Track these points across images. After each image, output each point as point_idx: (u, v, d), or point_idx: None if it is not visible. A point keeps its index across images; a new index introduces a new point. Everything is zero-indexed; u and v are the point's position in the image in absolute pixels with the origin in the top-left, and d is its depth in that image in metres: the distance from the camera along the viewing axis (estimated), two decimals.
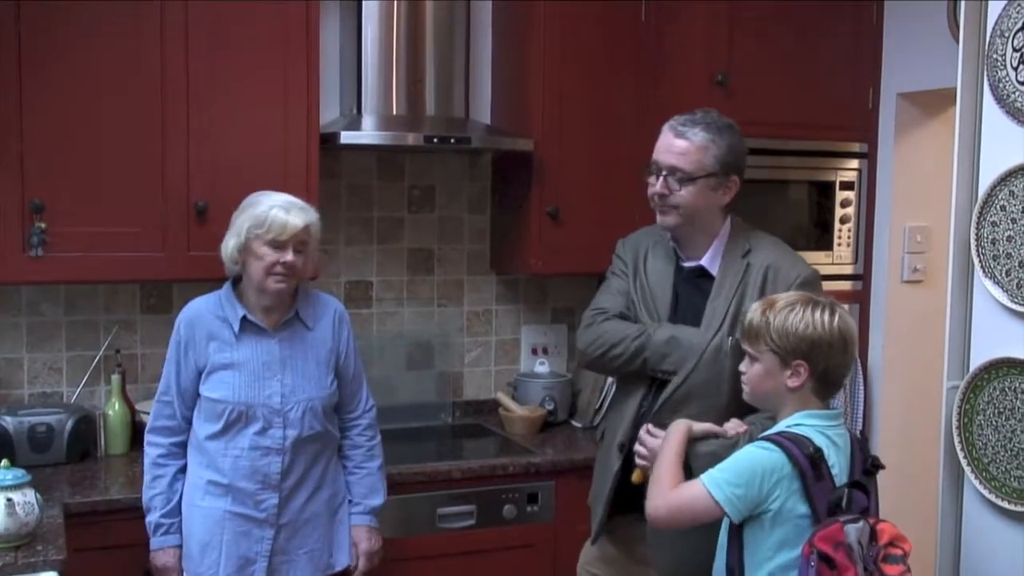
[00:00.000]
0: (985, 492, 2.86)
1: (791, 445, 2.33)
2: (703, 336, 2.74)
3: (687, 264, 2.86)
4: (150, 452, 3.02)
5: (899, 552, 2.29)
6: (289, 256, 2.89)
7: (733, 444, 2.54)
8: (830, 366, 2.39)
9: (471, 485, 3.54)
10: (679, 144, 2.76)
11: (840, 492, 2.31)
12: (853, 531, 2.26)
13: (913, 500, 4.08)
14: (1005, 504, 2.81)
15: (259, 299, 2.98)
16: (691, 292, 2.83)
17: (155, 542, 2.99)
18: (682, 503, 2.43)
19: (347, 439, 3.15)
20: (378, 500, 3.15)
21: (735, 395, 2.61)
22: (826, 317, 2.38)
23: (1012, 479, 2.80)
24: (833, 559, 2.22)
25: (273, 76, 3.48)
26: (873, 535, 2.29)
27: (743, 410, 2.64)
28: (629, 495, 2.81)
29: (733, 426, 2.62)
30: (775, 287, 2.71)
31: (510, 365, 4.32)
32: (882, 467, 2.45)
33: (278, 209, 2.90)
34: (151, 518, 2.99)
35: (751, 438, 2.51)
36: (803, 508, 2.32)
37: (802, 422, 2.39)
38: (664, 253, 2.91)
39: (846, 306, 4.06)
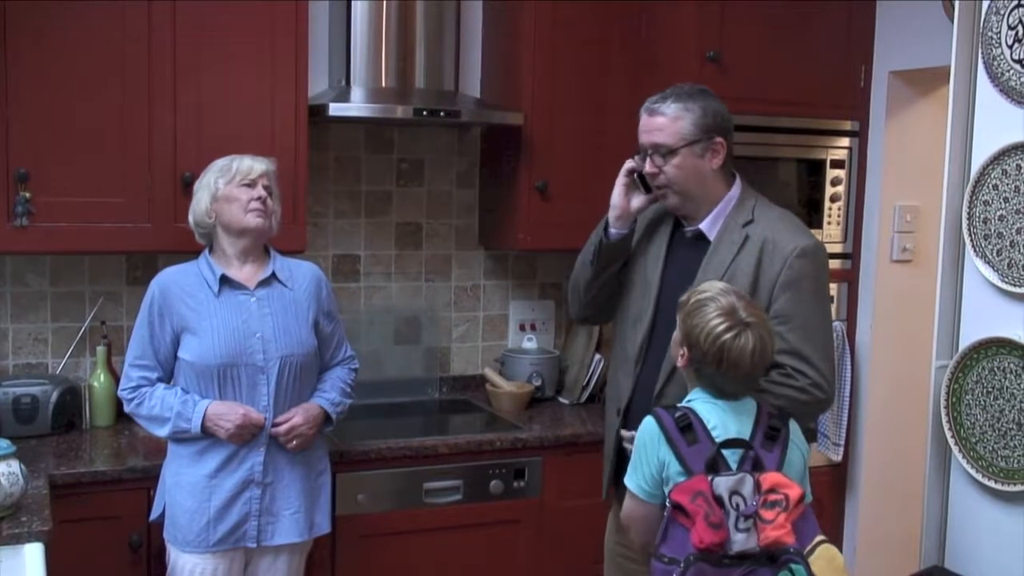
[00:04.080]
0: (972, 472, 2.87)
1: (662, 412, 2.42)
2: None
3: (688, 229, 2.84)
4: (128, 403, 3.01)
5: (779, 497, 2.31)
6: (261, 191, 3.01)
7: None
8: (702, 370, 2.43)
9: (458, 460, 3.54)
10: (654, 121, 2.76)
11: (712, 451, 2.34)
12: (724, 483, 2.29)
13: (899, 479, 4.11)
14: (992, 484, 2.82)
15: (236, 245, 3.02)
16: (686, 256, 2.81)
17: (195, 415, 2.92)
18: (628, 517, 2.52)
19: (328, 374, 3.19)
20: (338, 396, 3.14)
21: None
22: (718, 330, 2.37)
23: (999, 459, 2.81)
24: (685, 507, 2.27)
25: (261, 46, 3.45)
26: (758, 486, 2.32)
27: None
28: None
29: None
30: (772, 259, 2.68)
31: (498, 341, 4.31)
32: (776, 435, 2.44)
33: (239, 159, 3.05)
34: (169, 418, 2.93)
35: None
36: (679, 467, 2.36)
37: (694, 396, 2.47)
38: (665, 218, 2.91)
39: (834, 286, 4.13)
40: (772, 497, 2.30)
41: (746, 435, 2.40)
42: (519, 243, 3.92)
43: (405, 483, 3.48)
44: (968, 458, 2.89)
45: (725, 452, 2.35)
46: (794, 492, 2.31)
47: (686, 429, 2.37)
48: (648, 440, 2.41)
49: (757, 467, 2.36)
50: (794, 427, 2.49)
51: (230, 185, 3.00)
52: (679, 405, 2.46)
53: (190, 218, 3.06)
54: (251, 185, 3.01)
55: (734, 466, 2.35)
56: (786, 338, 2.58)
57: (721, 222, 2.78)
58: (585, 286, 2.97)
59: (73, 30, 3.24)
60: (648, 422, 2.43)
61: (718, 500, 2.27)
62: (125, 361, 3.04)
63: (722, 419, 2.40)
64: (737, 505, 2.28)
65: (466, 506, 3.55)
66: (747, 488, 2.30)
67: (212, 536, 2.94)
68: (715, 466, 2.33)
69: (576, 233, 3.75)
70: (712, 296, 2.43)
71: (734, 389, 2.43)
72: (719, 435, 2.37)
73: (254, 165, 3.04)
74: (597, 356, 4.10)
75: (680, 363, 2.49)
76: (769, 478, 2.33)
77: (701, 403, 2.44)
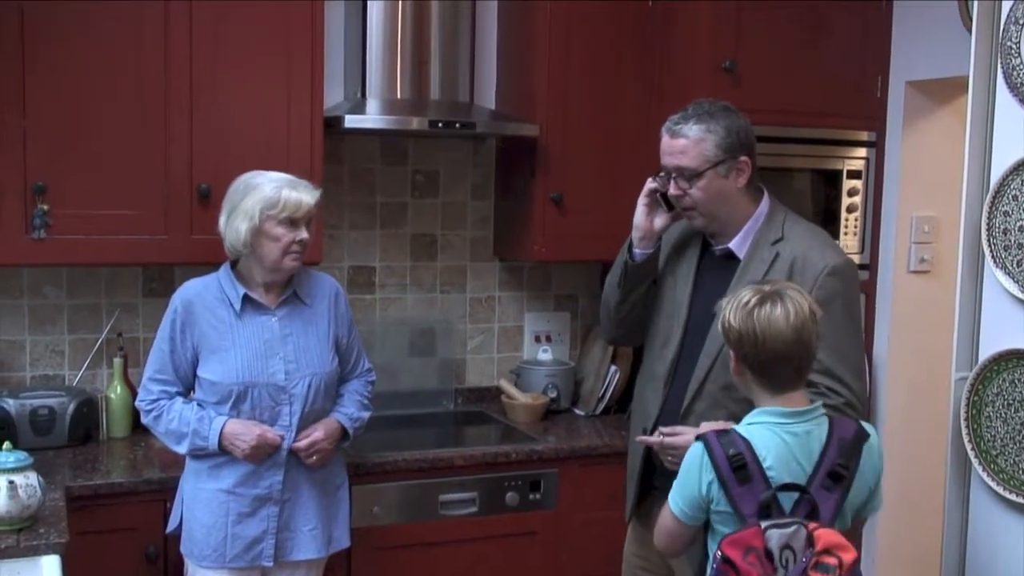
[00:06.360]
0: (993, 484, 2.84)
1: (715, 442, 2.30)
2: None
3: (717, 248, 2.82)
4: (146, 415, 2.99)
5: (832, 561, 2.18)
6: (304, 234, 2.94)
7: None
8: (747, 354, 2.34)
9: (473, 472, 3.53)
10: (677, 143, 2.74)
11: (769, 496, 2.25)
12: (777, 536, 2.19)
13: (918, 491, 4.08)
14: (1013, 497, 2.80)
15: (266, 277, 2.98)
16: (715, 276, 2.79)
17: (211, 433, 2.89)
18: (660, 528, 2.47)
19: (346, 388, 3.17)
20: (356, 411, 3.13)
21: None
22: (746, 299, 2.33)
23: (1020, 471, 2.79)
24: (737, 565, 2.17)
25: (277, 58, 3.46)
26: (811, 541, 2.20)
27: None
28: (657, 476, 2.82)
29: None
30: (802, 278, 2.63)
31: (513, 352, 4.30)
32: (843, 475, 2.32)
33: (288, 189, 2.92)
34: (187, 433, 2.90)
35: None
36: (728, 507, 2.28)
37: (755, 420, 2.36)
38: (693, 237, 2.90)
39: None
40: (826, 559, 2.18)
41: (808, 471, 2.29)
42: (534, 254, 3.92)
43: (421, 495, 3.47)
44: (989, 471, 2.86)
45: (780, 494, 2.26)
46: (848, 556, 2.19)
47: (739, 468, 2.26)
48: (694, 468, 2.32)
49: (813, 512, 2.26)
50: (870, 447, 2.38)
51: (271, 220, 2.89)
52: (735, 432, 2.33)
53: (222, 234, 2.96)
54: (295, 224, 2.92)
55: (787, 508, 2.26)
56: (818, 358, 2.49)
57: (750, 240, 2.76)
58: (615, 307, 2.97)
59: (89, 43, 3.25)
60: (697, 449, 2.33)
61: (768, 554, 2.18)
62: (144, 374, 3.03)
63: (782, 455, 2.28)
64: (786, 561, 2.18)
65: (482, 518, 3.54)
66: (799, 542, 2.20)
67: (228, 552, 2.93)
68: (768, 510, 2.24)
69: (591, 244, 3.78)
70: (744, 288, 2.41)
71: (784, 374, 2.33)
72: (775, 476, 2.27)
73: (303, 200, 2.92)
74: (613, 367, 4.09)
75: (732, 365, 2.40)
76: (824, 536, 2.20)
77: (761, 431, 2.31)
